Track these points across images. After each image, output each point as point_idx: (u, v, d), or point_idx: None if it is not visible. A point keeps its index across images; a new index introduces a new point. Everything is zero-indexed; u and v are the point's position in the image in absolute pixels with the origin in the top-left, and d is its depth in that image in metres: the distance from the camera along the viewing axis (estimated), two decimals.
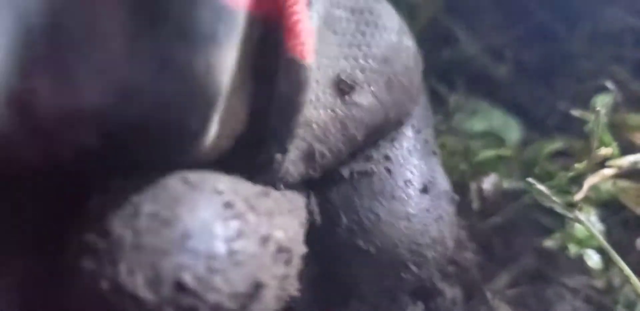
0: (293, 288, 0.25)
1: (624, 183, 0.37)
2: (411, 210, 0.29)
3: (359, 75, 0.27)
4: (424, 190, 0.30)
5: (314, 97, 0.26)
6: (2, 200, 0.24)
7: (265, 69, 0.24)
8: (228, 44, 0.21)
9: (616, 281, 0.36)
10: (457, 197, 0.32)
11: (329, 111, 0.26)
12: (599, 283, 0.36)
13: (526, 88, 0.45)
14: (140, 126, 0.22)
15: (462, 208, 0.38)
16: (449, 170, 0.32)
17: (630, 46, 0.45)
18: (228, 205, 0.23)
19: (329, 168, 0.28)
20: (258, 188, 0.25)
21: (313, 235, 0.27)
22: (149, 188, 0.23)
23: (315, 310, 0.30)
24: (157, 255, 0.21)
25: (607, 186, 0.37)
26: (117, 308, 0.21)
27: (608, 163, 0.36)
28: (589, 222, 0.35)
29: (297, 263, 0.25)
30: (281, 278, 0.24)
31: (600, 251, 0.35)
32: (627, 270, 0.33)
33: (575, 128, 0.39)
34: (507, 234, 0.38)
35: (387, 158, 0.30)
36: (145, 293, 0.21)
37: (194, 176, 0.23)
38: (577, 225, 0.35)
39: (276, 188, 0.26)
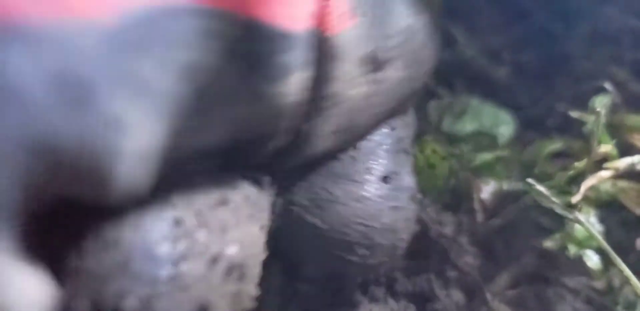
0: (248, 300, 0.25)
1: (623, 184, 0.37)
2: (366, 194, 0.29)
3: (386, 53, 0.27)
4: (384, 179, 0.30)
5: (344, 74, 0.26)
6: None
7: None
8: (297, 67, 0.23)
9: (616, 281, 0.36)
10: (420, 196, 0.32)
11: (359, 87, 0.26)
12: (599, 284, 0.36)
13: (525, 89, 0.45)
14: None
15: (463, 214, 0.38)
16: (446, 175, 0.31)
17: (629, 47, 0.45)
18: (177, 222, 0.22)
19: (355, 142, 0.29)
20: (215, 198, 0.24)
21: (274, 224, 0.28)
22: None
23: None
24: (98, 280, 0.21)
25: (607, 186, 0.37)
26: None
27: (606, 165, 0.36)
28: (589, 222, 0.35)
29: (253, 276, 0.25)
30: (233, 295, 0.24)
31: (600, 251, 0.36)
32: (627, 271, 0.33)
33: (574, 129, 0.40)
34: (507, 235, 0.38)
35: (354, 147, 0.30)
36: None
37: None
38: (577, 226, 0.35)
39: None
